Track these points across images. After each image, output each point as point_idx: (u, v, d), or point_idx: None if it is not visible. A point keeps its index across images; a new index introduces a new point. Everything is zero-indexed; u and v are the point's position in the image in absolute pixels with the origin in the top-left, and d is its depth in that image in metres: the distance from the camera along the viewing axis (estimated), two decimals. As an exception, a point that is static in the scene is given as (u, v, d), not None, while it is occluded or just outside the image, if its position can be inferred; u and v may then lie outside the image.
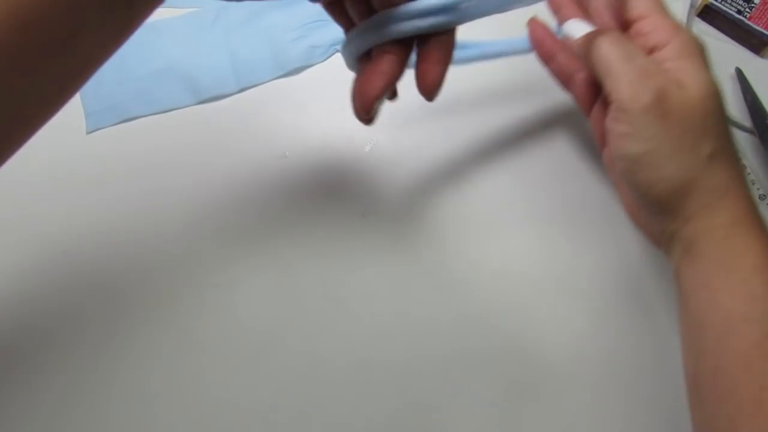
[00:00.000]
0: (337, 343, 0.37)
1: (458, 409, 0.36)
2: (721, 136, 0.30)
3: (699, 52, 0.31)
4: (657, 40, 0.31)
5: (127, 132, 0.42)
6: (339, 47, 0.45)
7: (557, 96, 0.41)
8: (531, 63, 0.39)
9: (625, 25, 0.33)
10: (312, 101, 0.44)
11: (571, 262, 0.40)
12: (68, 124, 0.42)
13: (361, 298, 0.39)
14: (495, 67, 0.41)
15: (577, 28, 0.34)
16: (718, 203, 0.29)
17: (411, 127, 0.43)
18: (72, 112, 0.42)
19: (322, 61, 0.46)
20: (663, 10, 0.33)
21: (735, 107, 0.44)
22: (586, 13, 0.35)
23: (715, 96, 0.30)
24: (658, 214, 0.31)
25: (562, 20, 0.36)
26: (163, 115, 0.43)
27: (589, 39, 0.32)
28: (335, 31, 0.45)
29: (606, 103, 0.32)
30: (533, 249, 0.40)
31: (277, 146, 0.42)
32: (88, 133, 0.42)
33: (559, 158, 0.43)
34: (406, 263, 0.39)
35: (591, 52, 0.32)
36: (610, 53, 0.31)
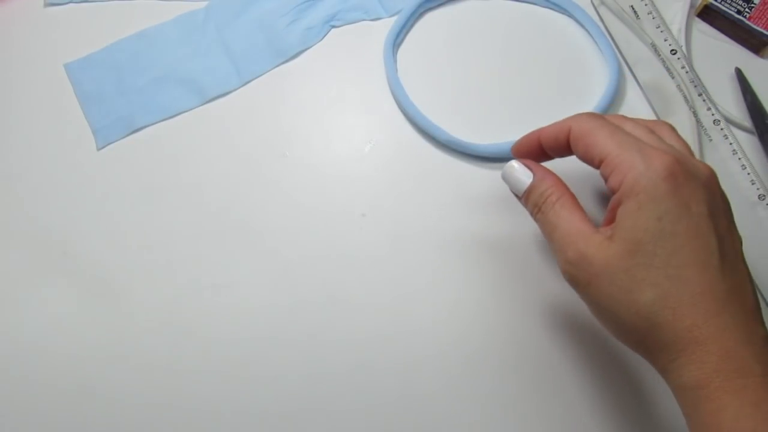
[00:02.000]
0: (337, 342, 0.38)
1: (460, 408, 0.36)
2: None
3: (645, 188, 0.28)
4: (613, 183, 0.29)
5: (133, 140, 0.43)
6: (333, 23, 0.46)
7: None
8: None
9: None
10: (312, 100, 0.44)
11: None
12: (78, 143, 0.42)
13: (361, 297, 0.39)
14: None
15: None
16: None
17: (411, 127, 0.43)
18: (77, 128, 0.42)
19: (319, 41, 0.46)
20: (622, 145, 0.29)
21: (735, 108, 0.44)
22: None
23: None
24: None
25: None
26: (169, 120, 0.43)
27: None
28: (326, 8, 0.46)
29: None
30: (531, 245, 0.40)
31: (276, 146, 0.42)
32: (99, 149, 0.42)
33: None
34: (406, 263, 0.39)
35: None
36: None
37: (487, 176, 0.42)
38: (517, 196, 0.33)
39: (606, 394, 0.37)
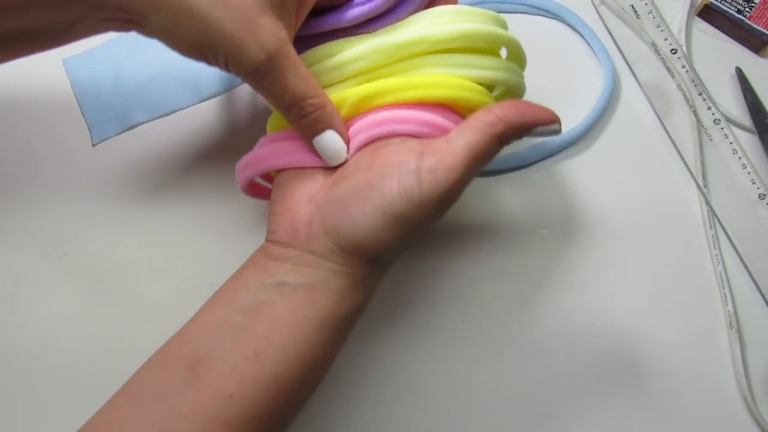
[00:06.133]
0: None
1: (463, 408, 0.36)
2: None
3: None
4: None
5: (132, 138, 0.42)
6: None
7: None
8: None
9: None
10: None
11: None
12: (73, 139, 0.42)
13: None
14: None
15: None
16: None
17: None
18: (75, 127, 0.42)
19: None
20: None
21: (735, 107, 0.44)
22: None
23: None
24: None
25: None
26: (166, 118, 0.43)
27: None
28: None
29: None
30: (534, 246, 0.40)
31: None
32: (94, 145, 0.42)
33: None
34: (406, 263, 0.39)
35: None
36: None
37: (487, 189, 0.41)
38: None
39: None
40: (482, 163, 0.28)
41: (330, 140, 0.30)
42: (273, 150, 0.31)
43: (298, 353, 0.27)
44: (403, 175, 0.27)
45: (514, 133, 0.28)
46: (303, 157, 0.30)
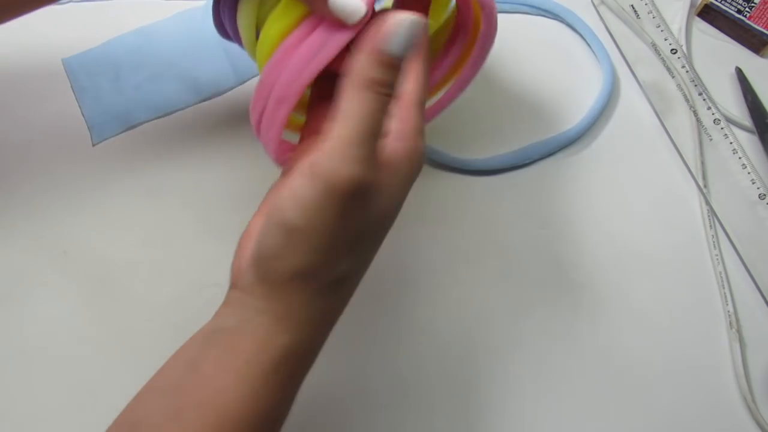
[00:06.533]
0: (336, 341, 0.37)
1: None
2: None
3: None
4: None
5: (132, 138, 0.42)
6: None
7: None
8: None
9: None
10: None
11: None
12: (73, 139, 0.42)
13: (361, 297, 0.38)
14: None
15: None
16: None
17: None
18: (75, 127, 0.42)
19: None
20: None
21: (735, 107, 0.44)
22: None
23: None
24: None
25: None
26: (166, 118, 0.43)
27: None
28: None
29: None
30: (532, 245, 0.40)
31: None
32: (94, 144, 0.42)
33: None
34: (405, 263, 0.39)
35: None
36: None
37: (486, 189, 0.42)
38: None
39: None
40: (373, 127, 0.24)
41: None
42: (295, 62, 0.27)
43: (217, 410, 0.25)
44: (294, 180, 0.24)
45: (372, 64, 0.24)
46: (327, 43, 0.26)
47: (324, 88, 0.31)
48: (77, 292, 0.38)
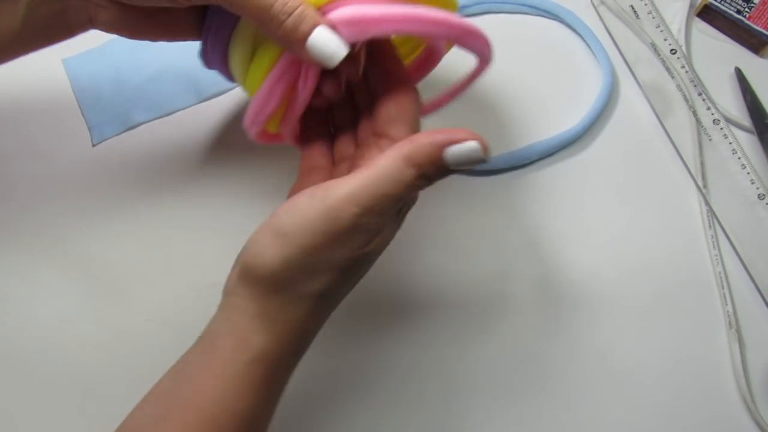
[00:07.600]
0: (337, 341, 0.37)
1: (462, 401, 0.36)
2: None
3: None
4: None
5: (132, 138, 0.42)
6: None
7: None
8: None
9: None
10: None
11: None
12: (73, 139, 0.42)
13: (361, 297, 0.38)
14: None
15: None
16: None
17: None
18: (75, 127, 0.42)
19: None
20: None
21: (734, 107, 0.44)
22: None
23: None
24: None
25: None
26: (166, 118, 0.43)
27: None
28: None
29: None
30: (531, 245, 0.40)
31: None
32: (94, 145, 0.42)
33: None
34: (405, 263, 0.39)
35: None
36: None
37: (486, 189, 0.42)
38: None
39: None
40: (394, 196, 0.25)
41: (324, 37, 0.26)
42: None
43: (198, 410, 0.26)
44: (300, 196, 0.26)
45: (426, 159, 0.25)
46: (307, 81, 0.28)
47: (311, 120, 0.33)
48: (77, 292, 0.38)
